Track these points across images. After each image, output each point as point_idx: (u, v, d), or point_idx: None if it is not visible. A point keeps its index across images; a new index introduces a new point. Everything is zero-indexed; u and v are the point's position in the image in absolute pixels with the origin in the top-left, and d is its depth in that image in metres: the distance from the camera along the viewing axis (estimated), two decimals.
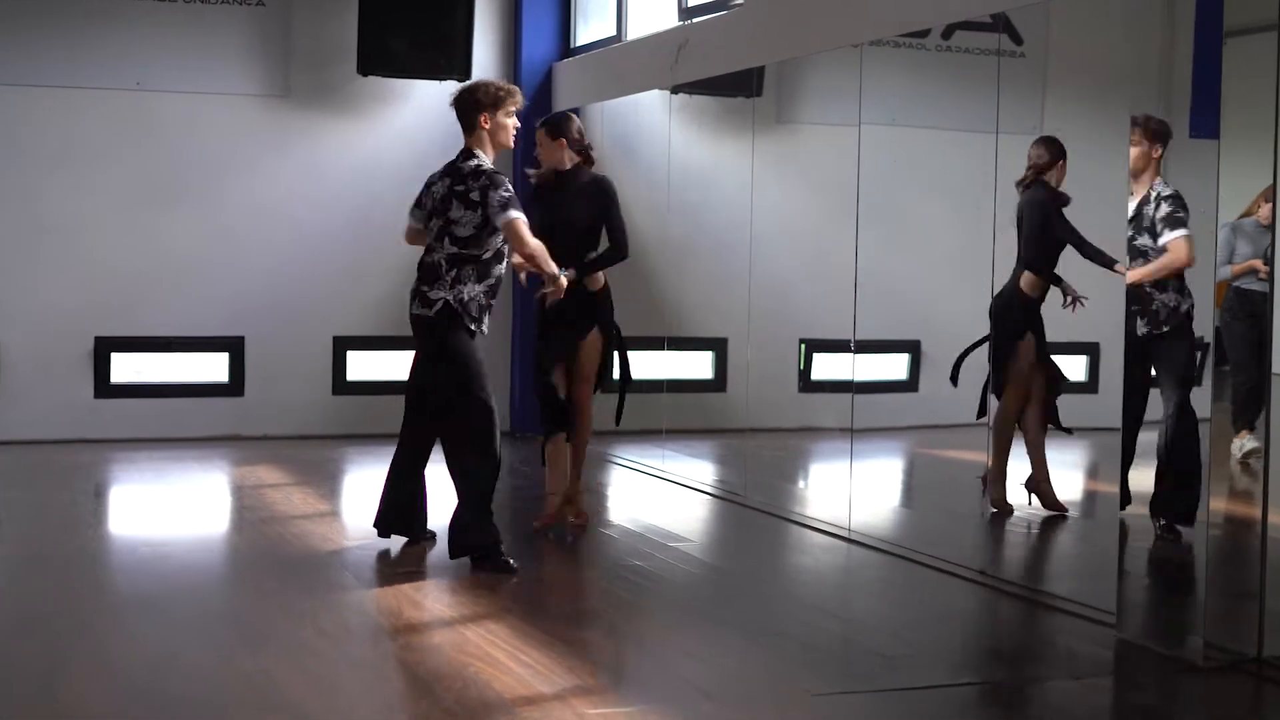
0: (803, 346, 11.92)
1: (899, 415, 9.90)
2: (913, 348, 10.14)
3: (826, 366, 11.94)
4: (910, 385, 11.73)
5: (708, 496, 9.26)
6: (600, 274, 7.53)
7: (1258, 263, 6.11)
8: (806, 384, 12.12)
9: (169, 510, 8.54)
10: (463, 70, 11.03)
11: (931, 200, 8.97)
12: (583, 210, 7.47)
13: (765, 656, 5.60)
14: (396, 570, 6.85)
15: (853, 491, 8.11)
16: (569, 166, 7.55)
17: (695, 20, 9.50)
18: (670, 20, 9.76)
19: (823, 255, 11.26)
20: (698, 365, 11.75)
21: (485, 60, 11.46)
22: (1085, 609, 6.04)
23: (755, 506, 8.74)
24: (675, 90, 11.01)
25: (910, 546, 7.34)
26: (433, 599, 6.31)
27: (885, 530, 7.95)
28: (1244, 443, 6.08)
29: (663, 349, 11.61)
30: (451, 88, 11.26)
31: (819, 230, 11.50)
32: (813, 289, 11.59)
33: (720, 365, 11.84)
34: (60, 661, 5.30)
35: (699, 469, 10.65)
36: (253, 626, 5.87)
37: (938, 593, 6.66)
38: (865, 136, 8.21)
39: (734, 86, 11.05)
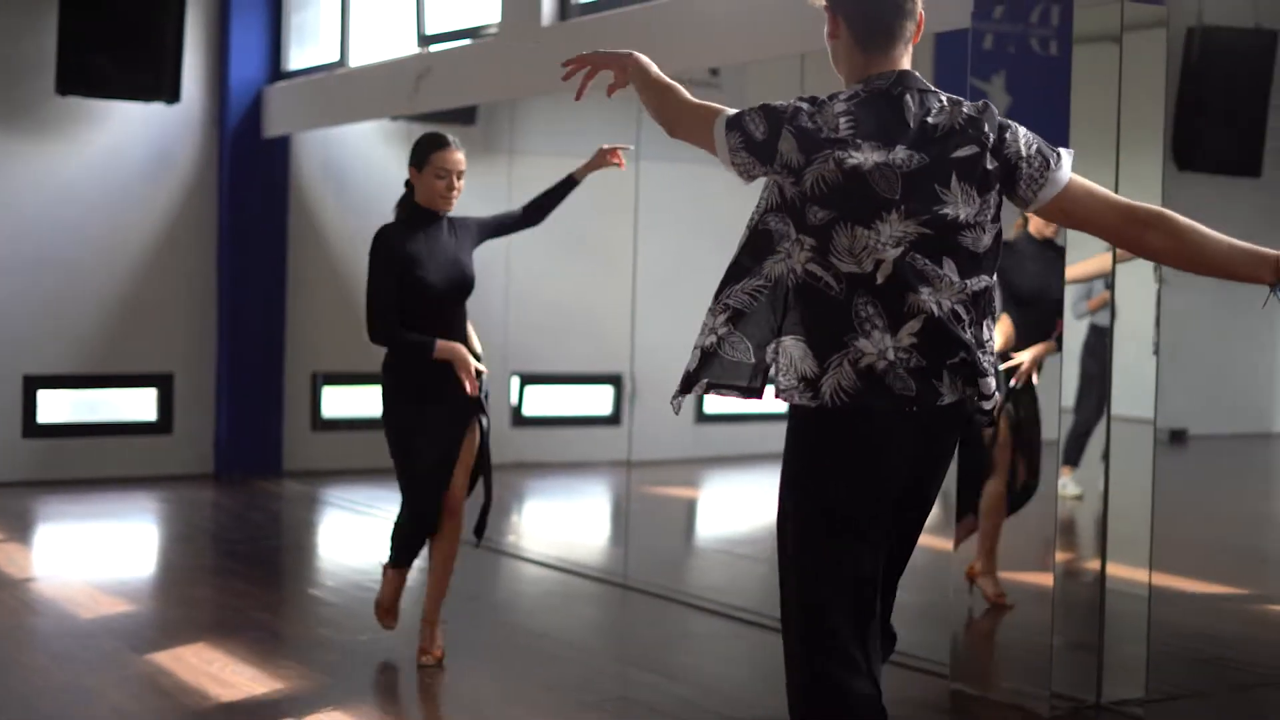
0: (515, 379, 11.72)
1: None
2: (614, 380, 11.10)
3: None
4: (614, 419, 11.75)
5: None
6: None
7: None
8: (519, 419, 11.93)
9: None
10: (171, 92, 10.38)
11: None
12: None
13: None
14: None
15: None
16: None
17: (434, 49, 9.15)
18: (409, 47, 9.37)
19: (533, 288, 11.28)
20: None
21: (193, 82, 10.82)
22: (913, 659, 5.98)
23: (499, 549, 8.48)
24: (395, 118, 10.65)
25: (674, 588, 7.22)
26: (231, 671, 5.81)
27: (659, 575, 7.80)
28: (1067, 481, 6.13)
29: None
30: (158, 110, 10.61)
31: (531, 264, 11.35)
32: (524, 320, 11.44)
33: None
34: None
35: None
36: (45, 714, 5.26)
37: (746, 644, 6.54)
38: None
39: (453, 114, 10.78)
